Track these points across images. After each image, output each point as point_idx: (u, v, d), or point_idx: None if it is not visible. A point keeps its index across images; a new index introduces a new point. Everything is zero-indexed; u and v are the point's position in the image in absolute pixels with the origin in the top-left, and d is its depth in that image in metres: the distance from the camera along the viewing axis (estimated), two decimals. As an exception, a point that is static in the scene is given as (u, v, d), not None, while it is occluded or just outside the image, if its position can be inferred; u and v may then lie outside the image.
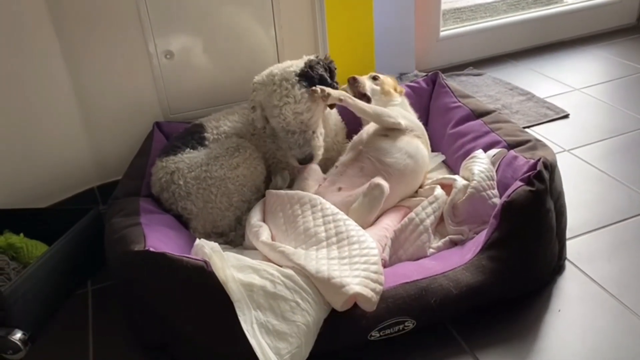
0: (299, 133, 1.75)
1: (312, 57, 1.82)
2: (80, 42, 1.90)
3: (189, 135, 1.83)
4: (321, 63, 1.80)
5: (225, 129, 1.84)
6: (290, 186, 1.85)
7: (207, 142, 1.80)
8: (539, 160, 1.56)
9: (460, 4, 3.43)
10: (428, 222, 1.64)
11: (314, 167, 1.85)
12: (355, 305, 1.35)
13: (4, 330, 1.47)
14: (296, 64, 1.78)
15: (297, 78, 1.73)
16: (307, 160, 1.78)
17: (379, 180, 1.66)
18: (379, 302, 1.36)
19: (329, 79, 1.79)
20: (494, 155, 1.79)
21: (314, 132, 1.78)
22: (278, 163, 1.88)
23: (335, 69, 1.85)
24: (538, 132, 2.35)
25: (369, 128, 1.87)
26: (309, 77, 1.74)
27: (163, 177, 1.73)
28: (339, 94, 1.77)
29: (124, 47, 1.97)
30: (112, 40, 1.94)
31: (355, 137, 1.89)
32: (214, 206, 1.70)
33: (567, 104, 2.56)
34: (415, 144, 1.83)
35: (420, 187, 1.84)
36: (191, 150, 1.77)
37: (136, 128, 2.05)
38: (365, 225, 1.64)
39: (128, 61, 1.99)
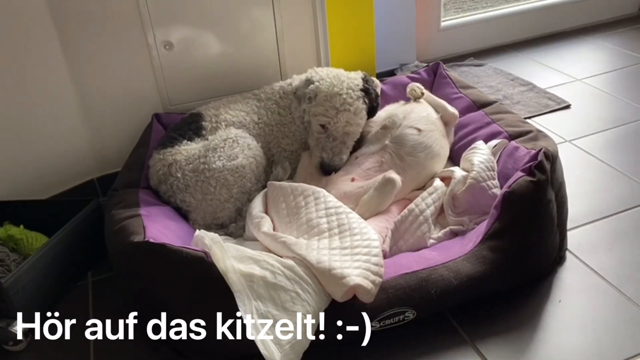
0: (339, 141, 1.79)
1: (365, 74, 1.88)
2: (79, 34, 1.89)
3: (186, 125, 1.82)
4: (373, 81, 1.87)
5: (226, 117, 1.83)
6: (291, 177, 1.85)
7: (204, 132, 1.79)
8: (540, 150, 1.55)
9: (461, -7, 3.40)
10: (428, 212, 1.63)
11: None
12: (356, 296, 1.35)
13: (4, 321, 1.47)
14: (357, 78, 1.83)
15: (361, 92, 1.79)
16: (330, 169, 1.79)
17: (392, 174, 1.66)
18: (379, 293, 1.36)
19: (379, 98, 1.86)
20: (495, 146, 1.78)
21: (348, 147, 1.83)
22: (282, 152, 1.89)
23: (378, 87, 1.92)
24: (539, 123, 2.34)
25: (400, 120, 1.84)
26: (369, 93, 1.82)
27: (160, 170, 1.72)
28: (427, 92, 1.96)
29: (123, 38, 1.96)
30: (111, 31, 1.93)
31: (380, 127, 1.86)
32: (213, 198, 1.70)
33: (569, 94, 2.55)
34: (442, 143, 1.84)
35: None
36: (188, 142, 1.76)
37: (136, 119, 2.04)
38: (371, 217, 1.65)
39: (127, 52, 1.98)
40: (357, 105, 1.77)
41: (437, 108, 1.93)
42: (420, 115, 1.85)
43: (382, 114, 1.93)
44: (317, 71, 1.85)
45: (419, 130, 1.80)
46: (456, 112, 1.95)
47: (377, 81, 1.95)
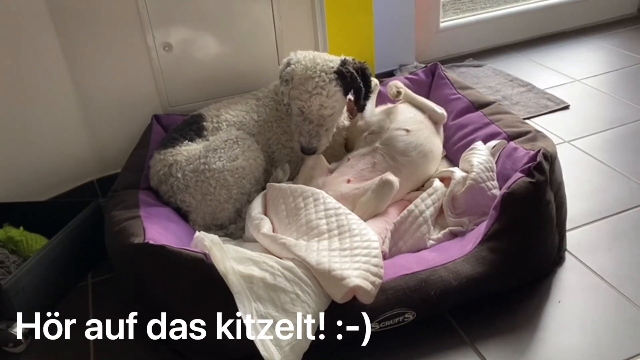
0: (315, 124, 1.80)
1: (347, 57, 1.86)
2: (78, 35, 1.89)
3: (187, 126, 1.83)
4: (354, 64, 1.84)
5: (227, 117, 1.84)
6: (291, 179, 1.85)
7: (205, 132, 1.80)
8: (539, 151, 1.56)
9: (460, -6, 3.41)
10: (427, 213, 1.64)
11: (320, 157, 1.85)
12: (355, 297, 1.35)
13: (4, 323, 1.48)
14: (335, 60, 1.82)
15: (334, 75, 1.78)
16: (309, 151, 1.81)
17: (389, 176, 1.66)
18: (379, 294, 1.36)
19: (359, 79, 1.82)
20: (493, 147, 1.79)
21: (327, 130, 1.83)
22: (282, 149, 1.89)
23: (370, 74, 1.89)
24: (538, 123, 2.34)
25: (388, 124, 1.85)
26: (344, 77, 1.79)
27: (161, 170, 1.73)
28: (405, 90, 1.95)
29: (122, 39, 1.96)
30: (111, 33, 1.93)
31: (368, 132, 1.87)
32: (213, 199, 1.70)
33: (568, 95, 2.55)
34: (433, 141, 1.84)
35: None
36: (189, 142, 1.76)
37: (135, 121, 2.04)
38: (370, 218, 1.64)
39: (126, 54, 1.99)
40: (329, 88, 1.76)
41: (422, 109, 1.94)
42: (406, 117, 1.86)
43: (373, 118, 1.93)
44: (297, 54, 1.85)
45: (407, 130, 1.81)
46: (444, 112, 1.95)
47: (369, 69, 1.89)
